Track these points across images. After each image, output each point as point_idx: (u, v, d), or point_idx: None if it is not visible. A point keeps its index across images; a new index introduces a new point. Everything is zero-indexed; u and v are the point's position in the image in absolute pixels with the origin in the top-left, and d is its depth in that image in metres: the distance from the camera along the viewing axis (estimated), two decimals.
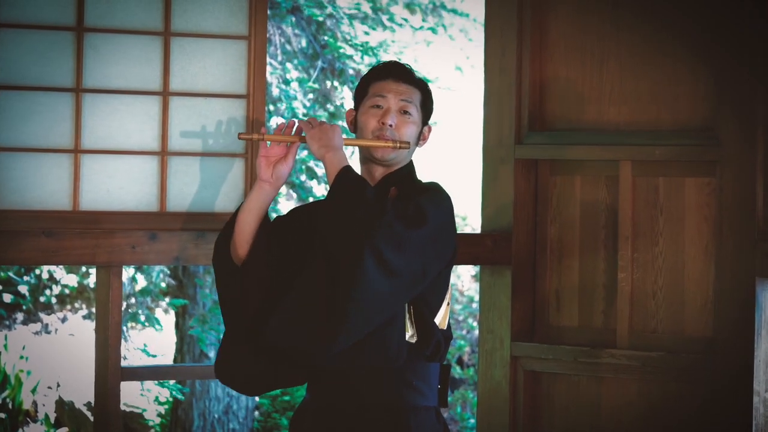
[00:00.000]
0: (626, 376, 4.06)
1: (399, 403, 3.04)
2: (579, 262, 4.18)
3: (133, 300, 7.97)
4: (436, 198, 3.04)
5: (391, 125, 3.12)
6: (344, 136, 3.14)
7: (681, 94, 4.05)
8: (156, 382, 7.90)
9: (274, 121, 7.81)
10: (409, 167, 3.20)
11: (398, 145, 3.11)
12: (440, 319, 3.11)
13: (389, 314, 2.96)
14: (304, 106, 7.83)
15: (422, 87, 3.20)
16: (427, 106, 3.21)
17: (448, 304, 3.15)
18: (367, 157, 3.16)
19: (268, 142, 3.14)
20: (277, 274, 3.10)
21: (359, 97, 3.21)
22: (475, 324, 9.75)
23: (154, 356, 8.04)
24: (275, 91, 7.75)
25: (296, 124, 3.16)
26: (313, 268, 2.96)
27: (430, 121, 3.24)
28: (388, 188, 3.14)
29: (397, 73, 3.17)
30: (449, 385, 3.18)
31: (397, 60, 3.32)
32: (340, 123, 7.87)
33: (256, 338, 3.05)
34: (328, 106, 8.02)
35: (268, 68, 7.62)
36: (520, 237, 4.23)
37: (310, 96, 7.94)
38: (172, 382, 7.65)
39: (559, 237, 4.22)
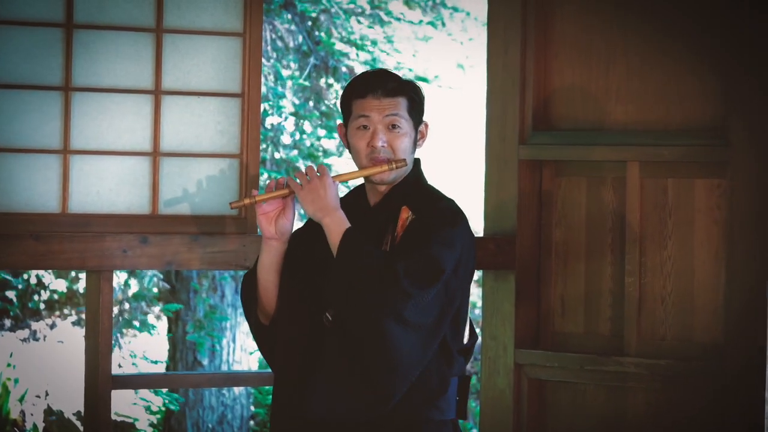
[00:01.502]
0: (634, 384, 4.06)
1: (412, 418, 3.03)
2: (585, 267, 4.18)
3: (126, 306, 7.96)
4: (448, 236, 3.00)
5: (383, 146, 3.09)
6: (336, 173, 3.12)
7: (690, 93, 4.04)
8: (151, 390, 7.90)
9: (269, 121, 7.81)
10: (415, 173, 3.18)
11: (394, 165, 3.09)
12: (466, 332, 3.12)
13: (429, 357, 2.97)
14: (294, 105, 7.83)
15: (406, 92, 3.12)
16: (415, 110, 3.14)
17: (468, 313, 3.16)
18: (368, 178, 3.15)
19: (263, 202, 3.13)
20: (310, 327, 3.10)
21: (345, 113, 3.17)
22: (478, 330, 9.73)
23: (155, 362, 8.04)
24: (262, 89, 7.76)
25: (285, 181, 3.13)
26: (340, 341, 2.97)
27: (425, 117, 3.20)
28: (395, 203, 3.10)
29: (375, 87, 3.10)
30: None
31: (373, 69, 3.29)
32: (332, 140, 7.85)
33: (298, 407, 3.05)
34: (321, 105, 8.02)
35: None
36: (524, 240, 4.22)
37: (301, 94, 7.93)
38: (164, 390, 7.64)
39: (565, 240, 4.21)
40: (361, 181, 3.22)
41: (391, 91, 3.10)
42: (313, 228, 3.19)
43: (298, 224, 3.25)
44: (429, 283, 2.92)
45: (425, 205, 3.09)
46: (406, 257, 2.94)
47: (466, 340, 3.11)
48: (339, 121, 3.23)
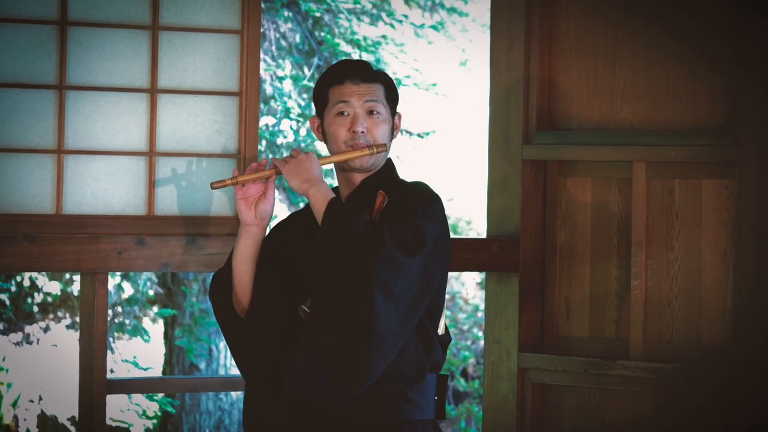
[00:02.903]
0: (640, 389, 4.06)
1: (394, 417, 3.04)
2: (590, 269, 4.18)
3: (119, 309, 7.96)
4: (429, 209, 3.04)
5: (362, 132, 3.14)
6: (321, 155, 3.16)
7: (697, 93, 4.05)
8: (144, 394, 7.89)
9: (263, 121, 7.81)
10: (389, 166, 3.22)
11: (375, 150, 3.14)
12: (441, 324, 3.13)
13: (405, 336, 2.98)
14: (299, 106, 7.83)
15: (382, 79, 3.20)
16: (392, 97, 3.22)
17: (444, 306, 3.17)
18: (344, 166, 3.17)
19: (243, 184, 3.15)
20: (285, 316, 3.11)
21: (320, 104, 3.21)
22: (480, 334, 9.74)
23: (145, 369, 8.03)
24: (269, 90, 7.75)
25: (268, 162, 3.16)
26: (320, 314, 2.98)
27: (398, 108, 3.25)
28: (371, 192, 3.14)
29: (354, 73, 3.17)
30: (450, 397, 3.20)
31: (350, 58, 3.33)
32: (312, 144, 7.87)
33: (273, 390, 3.06)
34: None
35: (262, 65, 7.63)
36: (528, 242, 4.22)
37: (305, 95, 7.94)
38: (160, 395, 7.63)
39: (569, 242, 4.21)
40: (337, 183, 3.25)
41: (369, 77, 3.18)
42: (287, 225, 3.25)
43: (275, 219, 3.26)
44: (413, 251, 2.95)
45: (400, 190, 3.14)
46: (389, 226, 2.98)
47: (442, 331, 3.13)
48: (312, 115, 3.26)
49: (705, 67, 4.04)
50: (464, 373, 9.82)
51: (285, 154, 3.14)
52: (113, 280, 7.98)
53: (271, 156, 7.73)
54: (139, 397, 8.30)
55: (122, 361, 8.05)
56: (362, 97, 3.15)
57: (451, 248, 3.13)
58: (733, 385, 3.92)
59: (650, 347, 4.07)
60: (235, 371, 8.13)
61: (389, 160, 3.23)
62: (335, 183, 3.26)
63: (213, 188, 3.18)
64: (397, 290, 2.91)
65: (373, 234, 2.95)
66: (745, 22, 3.94)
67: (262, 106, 7.65)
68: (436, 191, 3.14)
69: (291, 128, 7.96)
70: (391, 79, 3.23)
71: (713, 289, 4.01)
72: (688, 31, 4.07)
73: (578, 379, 4.14)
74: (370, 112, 3.16)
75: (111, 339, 7.88)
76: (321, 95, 3.21)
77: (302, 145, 7.85)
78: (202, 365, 8.12)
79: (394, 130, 3.23)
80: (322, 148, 8.15)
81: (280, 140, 7.84)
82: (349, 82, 3.16)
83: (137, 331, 8.07)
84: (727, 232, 4.00)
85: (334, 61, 7.88)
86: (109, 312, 7.68)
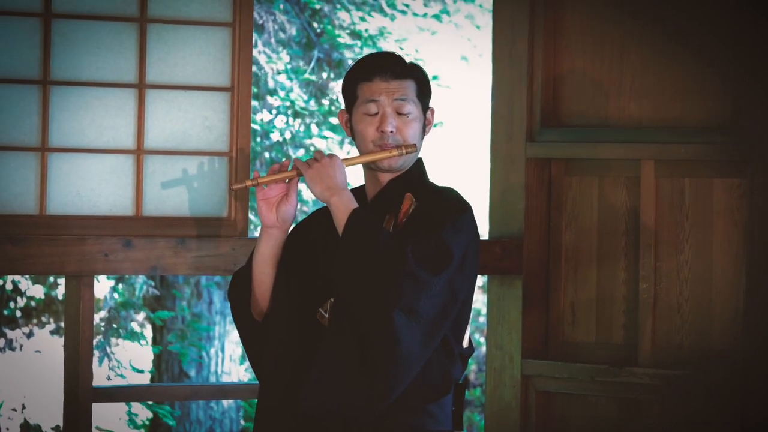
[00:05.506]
0: (648, 397, 4.06)
1: (411, 428, 3.04)
2: (597, 272, 4.18)
3: (111, 313, 7.95)
4: (458, 220, 3.02)
5: (392, 132, 3.11)
6: (345, 156, 3.13)
7: (708, 88, 4.05)
8: (142, 403, 7.89)
9: (259, 117, 7.81)
10: (419, 167, 3.19)
11: (404, 151, 3.11)
12: (465, 337, 3.13)
13: (427, 354, 2.98)
14: (302, 99, 7.84)
15: (415, 75, 3.15)
16: (424, 94, 3.17)
17: (470, 319, 3.17)
18: (371, 165, 3.16)
19: (264, 185, 3.13)
20: (304, 322, 3.12)
21: (349, 99, 3.18)
22: (482, 340, 9.75)
23: (141, 371, 8.03)
24: (270, 83, 7.75)
25: (291, 162, 3.15)
26: (340, 326, 2.98)
27: (431, 103, 3.21)
28: (397, 194, 3.13)
29: (383, 70, 3.12)
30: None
31: (380, 51, 3.29)
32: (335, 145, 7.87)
33: (289, 403, 3.06)
34: (324, 101, 8.03)
35: (263, 57, 7.63)
36: (532, 244, 4.23)
37: (305, 89, 7.94)
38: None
39: (575, 244, 4.21)
40: (362, 182, 3.23)
41: (400, 73, 3.13)
42: (307, 226, 3.23)
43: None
44: (438, 268, 2.94)
45: (429, 195, 3.12)
46: (413, 240, 2.95)
47: (466, 344, 3.13)
48: (341, 109, 3.24)
49: (715, 62, 4.04)
50: (465, 381, 9.83)
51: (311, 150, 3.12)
52: (109, 282, 7.98)
53: (283, 158, 7.73)
54: (136, 405, 8.31)
55: (117, 365, 8.05)
56: (392, 95, 3.10)
57: (479, 260, 3.10)
58: (745, 392, 3.92)
59: (659, 353, 4.07)
60: (227, 378, 8.14)
61: (419, 160, 3.19)
62: (362, 180, 3.24)
63: (233, 190, 3.18)
64: (420, 309, 2.91)
65: (396, 249, 2.93)
66: (755, 19, 3.94)
67: (269, 99, 7.66)
68: (465, 199, 3.11)
69: (287, 123, 7.97)
70: (424, 74, 3.18)
71: (725, 293, 4.02)
72: (699, 24, 4.07)
73: (584, 387, 4.14)
74: (401, 112, 3.12)
75: (106, 344, 7.88)
76: (349, 90, 3.17)
77: (318, 142, 7.86)
78: (192, 372, 8.12)
79: (426, 126, 3.19)
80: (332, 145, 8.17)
81: (275, 136, 7.85)
82: (379, 79, 3.11)
83: (133, 336, 8.07)
84: (738, 233, 4.00)
85: (335, 54, 7.87)
86: (104, 314, 7.68)
